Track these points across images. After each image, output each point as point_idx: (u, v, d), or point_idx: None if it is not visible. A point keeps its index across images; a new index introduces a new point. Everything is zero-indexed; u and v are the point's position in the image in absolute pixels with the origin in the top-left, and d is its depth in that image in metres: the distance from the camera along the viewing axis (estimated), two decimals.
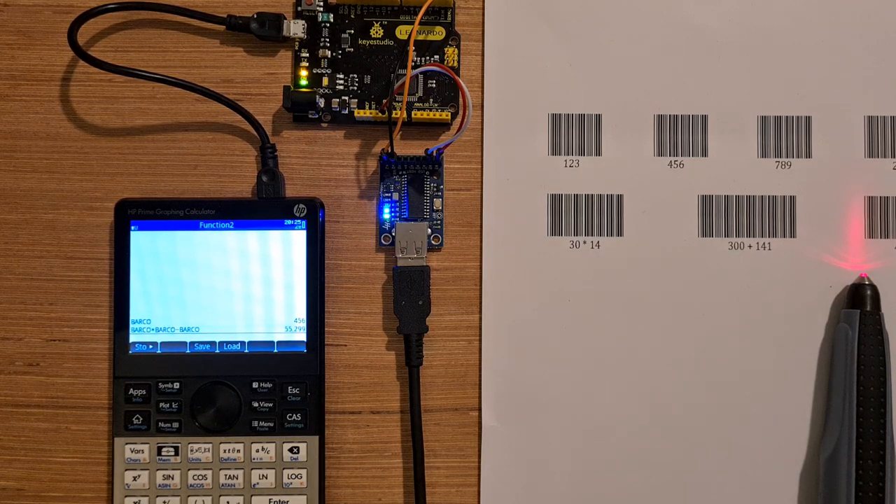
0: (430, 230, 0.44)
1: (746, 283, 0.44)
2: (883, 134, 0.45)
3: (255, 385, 0.42)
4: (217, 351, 0.42)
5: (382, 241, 0.44)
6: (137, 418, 0.42)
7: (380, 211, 0.44)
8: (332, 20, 0.44)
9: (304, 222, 0.43)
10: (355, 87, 0.44)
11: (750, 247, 0.45)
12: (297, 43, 0.44)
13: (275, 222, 0.43)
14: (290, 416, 0.42)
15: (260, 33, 0.44)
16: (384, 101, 0.44)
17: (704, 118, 0.45)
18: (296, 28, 0.44)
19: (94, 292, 0.44)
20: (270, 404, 0.42)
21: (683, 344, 0.44)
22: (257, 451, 0.42)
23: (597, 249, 0.45)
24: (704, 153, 0.45)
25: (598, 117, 0.45)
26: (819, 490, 0.43)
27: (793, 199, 0.45)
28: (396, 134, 0.43)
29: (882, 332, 0.43)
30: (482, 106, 0.45)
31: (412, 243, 0.44)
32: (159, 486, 0.42)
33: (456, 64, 0.45)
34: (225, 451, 0.42)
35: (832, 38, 0.45)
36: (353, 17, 0.44)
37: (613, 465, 0.44)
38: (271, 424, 0.42)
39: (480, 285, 0.45)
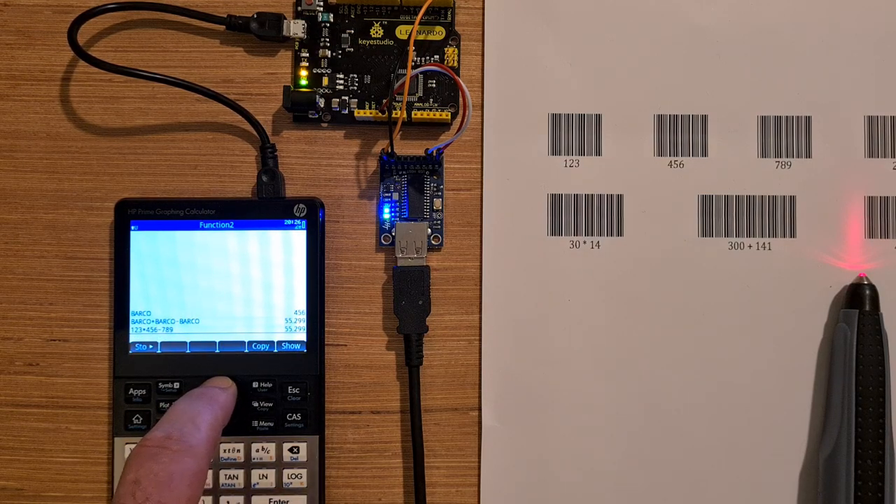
0: (430, 230, 0.44)
1: (746, 283, 0.44)
2: (883, 134, 0.45)
3: (255, 385, 0.42)
4: (217, 351, 0.42)
5: (382, 241, 0.44)
6: (137, 418, 0.42)
7: (380, 211, 0.44)
8: (332, 20, 0.44)
9: (304, 222, 0.43)
10: (355, 87, 0.44)
11: (750, 247, 0.45)
12: (297, 43, 0.44)
13: (275, 222, 0.43)
14: (290, 416, 0.42)
15: (260, 33, 0.44)
16: (384, 101, 0.44)
17: (704, 118, 0.45)
18: (296, 28, 0.44)
19: (94, 292, 0.44)
20: (270, 404, 0.42)
21: (683, 344, 0.44)
22: (257, 450, 0.42)
23: (597, 249, 0.45)
24: (704, 153, 0.45)
25: (598, 117, 0.45)
26: (818, 490, 0.43)
27: (793, 199, 0.45)
28: (396, 134, 0.43)
29: (881, 332, 0.43)
30: (482, 106, 0.45)
31: (412, 243, 0.44)
32: None
33: (456, 64, 0.45)
34: (225, 451, 0.42)
35: (832, 38, 0.45)
36: (353, 17, 0.44)
37: (613, 464, 0.44)
38: (271, 424, 0.42)
39: (480, 285, 0.45)
